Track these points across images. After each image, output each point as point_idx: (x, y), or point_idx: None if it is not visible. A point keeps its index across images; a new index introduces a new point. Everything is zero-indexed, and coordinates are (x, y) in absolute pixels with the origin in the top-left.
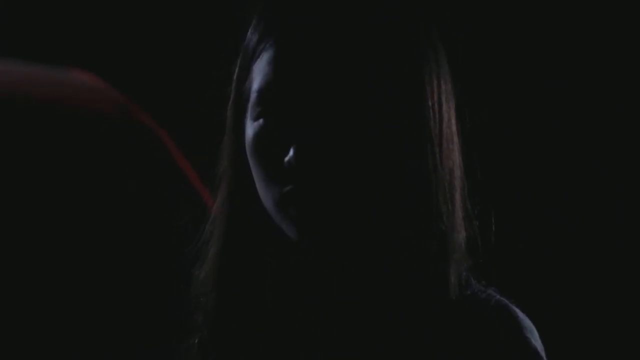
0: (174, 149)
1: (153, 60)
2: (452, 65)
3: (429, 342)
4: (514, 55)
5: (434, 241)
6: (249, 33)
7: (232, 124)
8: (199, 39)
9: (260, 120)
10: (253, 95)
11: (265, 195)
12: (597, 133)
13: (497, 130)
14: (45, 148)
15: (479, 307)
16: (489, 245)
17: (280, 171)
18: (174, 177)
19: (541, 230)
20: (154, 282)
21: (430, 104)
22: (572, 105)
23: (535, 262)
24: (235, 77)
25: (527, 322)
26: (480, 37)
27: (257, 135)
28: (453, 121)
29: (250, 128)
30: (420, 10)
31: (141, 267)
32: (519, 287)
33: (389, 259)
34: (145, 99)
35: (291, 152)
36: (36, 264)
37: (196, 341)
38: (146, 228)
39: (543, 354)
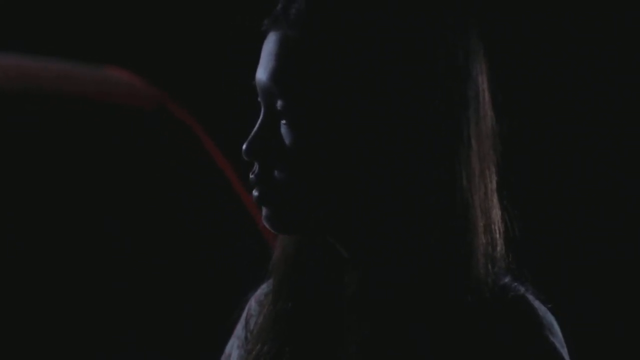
0: (211, 146)
1: (191, 56)
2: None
3: (445, 338)
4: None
5: (457, 236)
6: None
7: None
8: (238, 36)
9: None
10: None
11: None
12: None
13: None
14: (82, 144)
15: (501, 303)
16: (522, 241)
17: None
18: (211, 174)
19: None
20: (186, 276)
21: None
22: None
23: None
24: None
25: (548, 319)
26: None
27: None
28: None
29: None
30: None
31: (173, 261)
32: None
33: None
34: (183, 95)
35: None
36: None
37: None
38: (180, 224)
39: (563, 350)
